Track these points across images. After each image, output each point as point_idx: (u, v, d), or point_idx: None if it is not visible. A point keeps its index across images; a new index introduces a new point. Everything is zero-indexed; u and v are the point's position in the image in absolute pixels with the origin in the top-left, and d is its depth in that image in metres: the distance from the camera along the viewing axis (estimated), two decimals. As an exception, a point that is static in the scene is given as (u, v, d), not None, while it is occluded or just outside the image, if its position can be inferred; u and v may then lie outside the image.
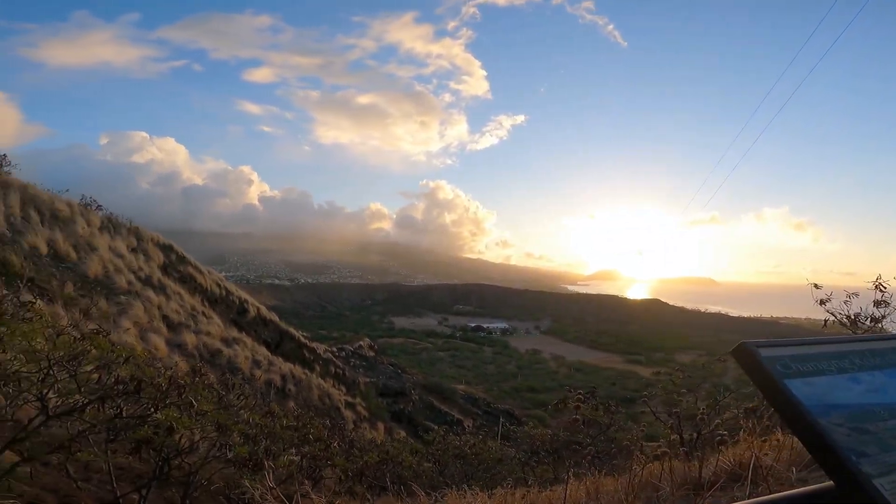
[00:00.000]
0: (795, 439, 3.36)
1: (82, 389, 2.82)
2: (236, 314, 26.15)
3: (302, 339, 29.96)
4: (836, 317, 5.30)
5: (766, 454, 2.97)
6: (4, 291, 4.36)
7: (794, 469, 2.87)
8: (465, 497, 4.91)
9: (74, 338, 2.95)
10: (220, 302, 24.30)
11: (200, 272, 23.56)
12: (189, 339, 14.35)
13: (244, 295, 28.12)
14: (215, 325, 18.60)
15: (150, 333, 12.06)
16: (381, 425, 24.94)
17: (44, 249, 11.84)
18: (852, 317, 5.22)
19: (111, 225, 17.31)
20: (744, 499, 2.45)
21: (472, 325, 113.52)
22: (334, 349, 39.17)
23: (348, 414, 22.91)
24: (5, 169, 14.21)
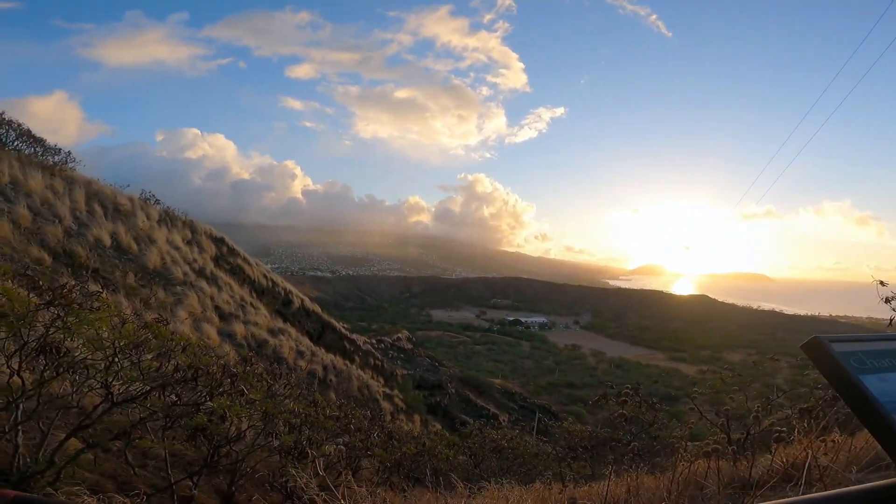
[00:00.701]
0: (853, 440, 3.16)
1: (143, 377, 3.00)
2: (281, 305, 26.80)
3: (343, 330, 30.72)
4: (904, 316, 4.91)
5: (823, 455, 2.81)
6: (72, 282, 4.67)
7: (853, 469, 2.71)
8: (502, 490, 4.92)
9: (137, 326, 3.13)
10: (266, 293, 25.21)
11: (249, 264, 24.54)
12: (238, 329, 14.98)
13: (289, 286, 28.71)
14: (262, 315, 19.33)
15: (203, 323, 12.67)
16: (417, 417, 25.27)
17: (107, 242, 12.64)
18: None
19: (168, 218, 18.25)
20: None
21: (510, 318, 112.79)
22: (373, 341, 39.91)
23: (386, 405, 23.34)
24: (70, 165, 15.24)
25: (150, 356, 3.10)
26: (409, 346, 43.32)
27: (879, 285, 5.21)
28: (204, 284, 15.31)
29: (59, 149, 15.33)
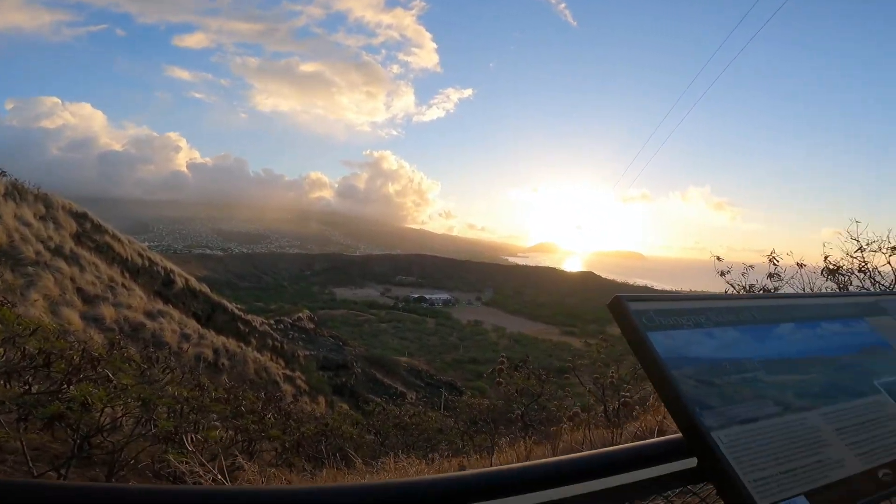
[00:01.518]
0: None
1: (-18, 365, 2.61)
2: (161, 286, 24.35)
3: (236, 311, 28.85)
4: (734, 287, 5.87)
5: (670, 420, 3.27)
6: None
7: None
8: (400, 464, 5.09)
9: (-29, 310, 2.70)
10: (142, 273, 22.74)
11: (119, 241, 21.85)
12: (107, 312, 13.41)
13: (170, 265, 26.46)
14: (137, 297, 17.45)
15: (62, 307, 11.15)
16: (322, 399, 24.82)
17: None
18: (747, 287, 5.80)
19: (16, 192, 15.63)
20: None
21: (415, 296, 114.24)
22: (272, 322, 38.11)
23: (287, 388, 22.58)
24: None
25: (-10, 342, 2.69)
26: (312, 326, 42.07)
27: (716, 260, 6.23)
28: (62, 264, 13.42)
29: None
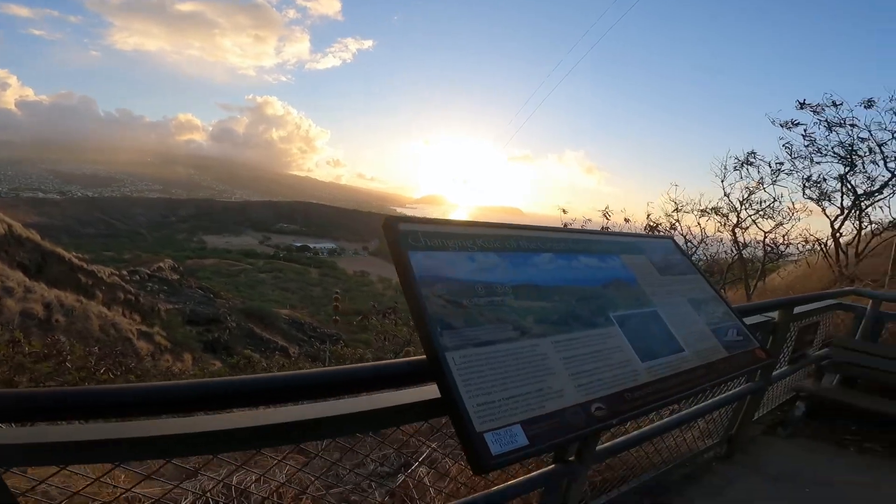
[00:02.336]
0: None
1: None
2: None
3: (75, 261, 24.91)
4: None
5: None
6: None
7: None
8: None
9: None
10: (-64, 217, 18.49)
11: None
12: None
13: None
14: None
15: None
16: (188, 356, 22.99)
17: None
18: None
19: None
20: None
21: (298, 244, 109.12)
22: (124, 273, 33.76)
23: (143, 345, 20.49)
24: None
25: None
26: (175, 277, 38.13)
27: (562, 212, 6.87)
28: None
29: None
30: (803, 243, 7.06)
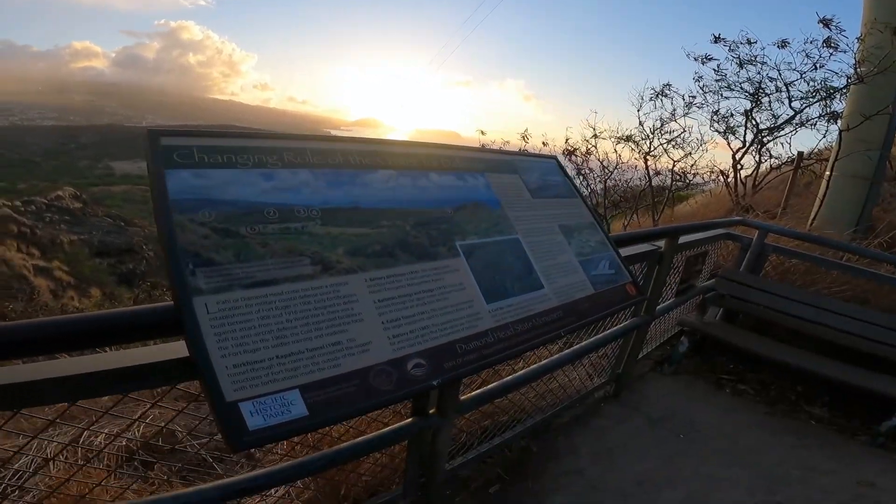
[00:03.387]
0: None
1: None
2: None
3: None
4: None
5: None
6: None
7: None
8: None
9: None
10: None
11: None
12: None
13: None
14: None
15: None
16: (96, 291, 21.26)
17: None
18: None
19: None
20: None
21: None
22: (17, 203, 29.91)
23: (41, 282, 18.64)
24: None
25: None
26: (78, 206, 34.24)
27: (480, 134, 6.64)
28: None
29: None
30: (709, 174, 7.39)
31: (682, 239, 2.61)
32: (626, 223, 7.21)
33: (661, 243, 2.48)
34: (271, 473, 1.13)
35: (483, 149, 1.67)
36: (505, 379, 1.69)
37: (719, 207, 6.85)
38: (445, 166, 1.40)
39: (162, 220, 0.86)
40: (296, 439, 1.59)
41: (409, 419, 1.43)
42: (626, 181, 7.75)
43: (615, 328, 2.35)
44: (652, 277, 2.48)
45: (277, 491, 1.55)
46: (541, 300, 1.31)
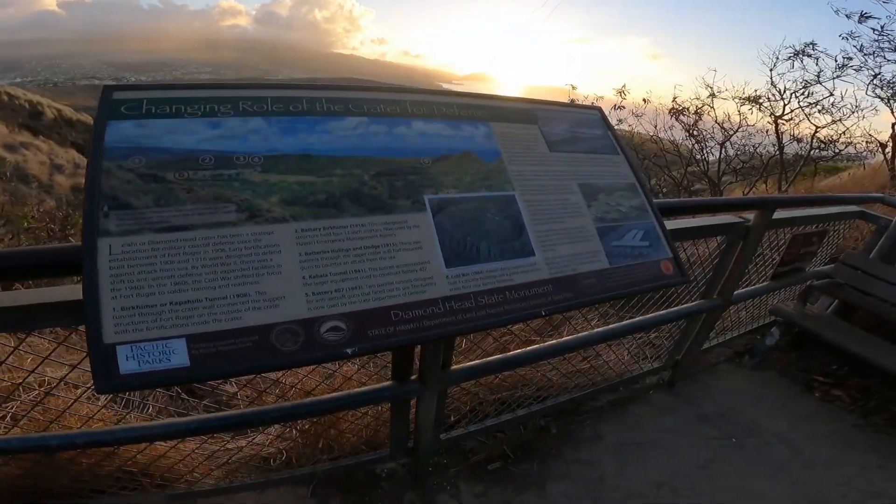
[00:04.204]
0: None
1: None
2: (28, 118, 22.67)
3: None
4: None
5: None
6: None
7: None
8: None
9: None
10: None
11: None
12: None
13: (37, 98, 25.24)
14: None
15: None
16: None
17: None
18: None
19: None
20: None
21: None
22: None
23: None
24: None
25: None
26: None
27: (571, 88, 6.12)
28: None
29: None
30: (865, 144, 6.03)
31: (782, 213, 2.13)
32: (746, 192, 6.21)
33: (751, 216, 2.05)
34: (226, 417, 1.17)
35: (493, 95, 1.45)
36: (508, 354, 1.54)
37: (872, 183, 5.59)
38: (436, 114, 1.24)
39: (90, 166, 0.87)
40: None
41: (388, 382, 1.37)
42: (752, 146, 6.61)
43: (670, 310, 2.01)
44: (733, 255, 2.07)
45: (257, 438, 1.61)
46: (525, 269, 1.12)
